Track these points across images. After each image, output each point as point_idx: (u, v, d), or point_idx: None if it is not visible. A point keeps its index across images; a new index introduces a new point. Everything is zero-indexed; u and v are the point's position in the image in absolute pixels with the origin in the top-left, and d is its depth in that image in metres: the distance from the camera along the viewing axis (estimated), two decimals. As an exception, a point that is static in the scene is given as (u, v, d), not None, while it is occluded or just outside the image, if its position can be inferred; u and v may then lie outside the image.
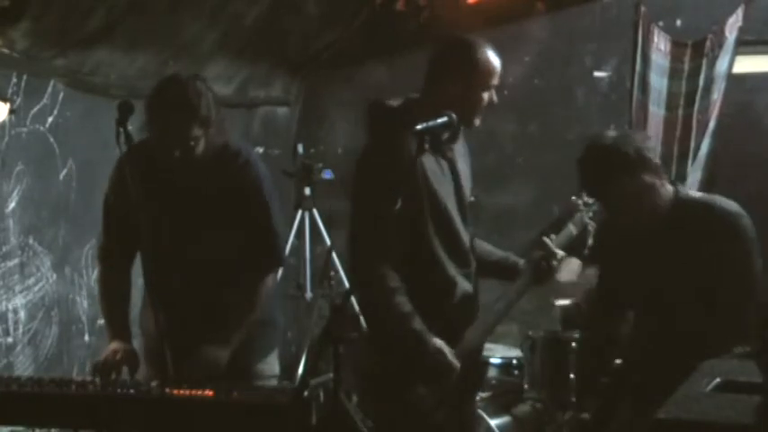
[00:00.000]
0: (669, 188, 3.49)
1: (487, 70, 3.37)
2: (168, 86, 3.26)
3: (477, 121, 3.39)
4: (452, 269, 3.35)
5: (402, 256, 3.24)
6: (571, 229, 3.61)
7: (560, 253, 3.51)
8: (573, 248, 3.65)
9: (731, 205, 3.50)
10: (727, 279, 3.38)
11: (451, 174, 3.40)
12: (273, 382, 3.49)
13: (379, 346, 3.37)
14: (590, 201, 3.62)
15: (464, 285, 3.39)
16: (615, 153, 3.41)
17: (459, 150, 3.49)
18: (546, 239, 3.50)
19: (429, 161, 3.30)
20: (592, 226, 3.68)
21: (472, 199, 3.50)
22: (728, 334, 3.32)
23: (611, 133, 3.62)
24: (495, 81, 3.40)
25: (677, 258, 3.43)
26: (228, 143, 3.40)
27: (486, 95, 3.37)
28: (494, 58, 3.39)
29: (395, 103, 3.50)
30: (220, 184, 3.34)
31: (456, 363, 3.27)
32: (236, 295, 3.31)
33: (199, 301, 3.31)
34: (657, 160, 3.47)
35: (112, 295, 3.43)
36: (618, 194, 3.41)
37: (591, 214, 3.64)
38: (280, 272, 3.59)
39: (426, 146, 3.00)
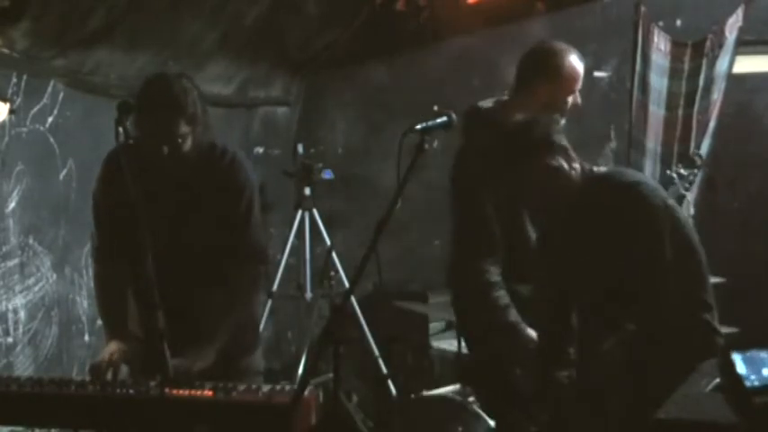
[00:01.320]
0: (578, 169, 3.24)
1: (573, 76, 3.69)
2: (155, 84, 3.30)
3: (563, 121, 3.63)
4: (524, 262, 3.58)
5: (503, 250, 3.54)
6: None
7: None
8: None
9: (629, 175, 3.29)
10: (636, 264, 3.11)
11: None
12: (260, 378, 3.50)
13: (473, 337, 3.74)
14: (685, 172, 3.61)
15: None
16: (522, 137, 3.25)
17: None
18: None
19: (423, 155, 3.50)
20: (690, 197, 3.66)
21: None
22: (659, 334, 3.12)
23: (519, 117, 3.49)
24: (579, 85, 3.72)
25: (586, 243, 3.21)
26: (215, 143, 3.43)
27: (570, 98, 3.69)
28: (578, 64, 3.72)
29: (486, 104, 3.79)
30: (206, 183, 3.36)
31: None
32: (217, 295, 3.32)
33: (182, 301, 3.30)
34: (565, 143, 3.24)
35: (109, 295, 3.43)
36: (525, 177, 3.21)
37: (687, 185, 3.67)
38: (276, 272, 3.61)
39: (426, 145, 3.05)
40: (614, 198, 3.15)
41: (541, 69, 3.71)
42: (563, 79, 3.68)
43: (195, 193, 3.37)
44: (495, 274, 3.57)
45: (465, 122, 3.63)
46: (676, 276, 3.10)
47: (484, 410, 3.86)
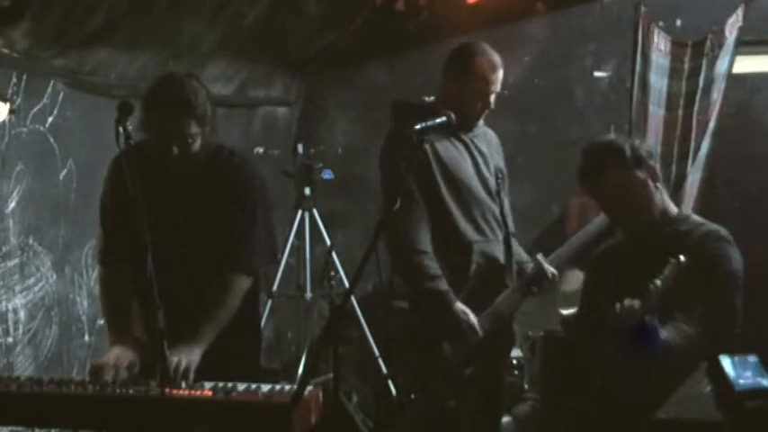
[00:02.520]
0: (665, 196, 3.48)
1: (481, 79, 3.71)
2: (165, 84, 3.29)
3: (477, 123, 3.63)
4: (470, 236, 3.73)
5: (429, 227, 3.67)
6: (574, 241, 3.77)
7: (551, 272, 3.76)
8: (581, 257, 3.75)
9: (725, 234, 3.46)
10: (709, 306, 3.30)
11: (468, 152, 3.80)
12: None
13: (412, 304, 3.80)
14: None
15: (485, 251, 3.76)
16: (610, 148, 3.46)
17: (482, 136, 3.89)
18: (539, 257, 3.68)
19: (442, 145, 3.72)
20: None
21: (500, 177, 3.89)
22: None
23: (610, 135, 3.71)
24: (491, 89, 3.73)
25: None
26: (223, 144, 3.44)
27: (479, 103, 3.72)
28: (489, 68, 3.72)
29: (416, 101, 4.02)
30: (212, 185, 3.37)
31: (477, 325, 3.64)
32: (213, 295, 3.33)
33: (181, 300, 3.29)
34: (653, 163, 3.48)
35: (114, 298, 3.42)
36: (610, 186, 3.41)
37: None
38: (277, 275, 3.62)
39: (426, 145, 3.19)
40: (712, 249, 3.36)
41: (451, 69, 3.78)
42: (471, 82, 3.71)
43: (200, 195, 3.37)
44: (424, 243, 3.67)
45: (395, 114, 3.87)
46: None
47: (408, 379, 3.88)
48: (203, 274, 3.35)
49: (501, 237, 3.86)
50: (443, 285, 3.66)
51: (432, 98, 3.90)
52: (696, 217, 3.53)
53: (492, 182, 3.86)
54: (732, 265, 3.31)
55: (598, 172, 3.45)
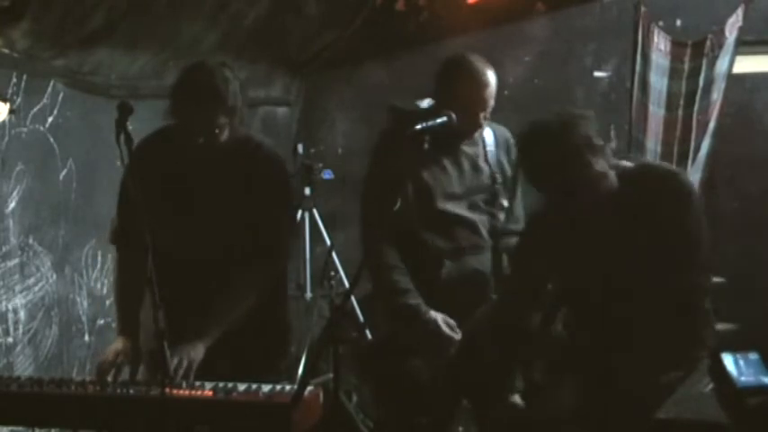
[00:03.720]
0: (612, 168, 3.18)
1: (467, 100, 3.53)
2: (196, 72, 3.24)
3: (469, 136, 3.57)
4: (440, 247, 3.57)
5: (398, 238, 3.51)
6: None
7: None
8: None
9: (667, 167, 3.34)
10: (683, 243, 3.11)
11: (453, 161, 3.64)
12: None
13: (381, 317, 3.69)
14: None
15: (457, 263, 3.60)
16: (563, 141, 3.08)
17: (478, 140, 3.71)
18: None
19: (422, 154, 3.44)
20: None
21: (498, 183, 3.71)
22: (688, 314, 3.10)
23: (553, 118, 3.22)
24: (477, 109, 3.54)
25: (626, 235, 3.14)
26: (250, 135, 3.41)
27: (467, 121, 3.52)
28: (475, 88, 3.54)
29: (411, 107, 3.80)
30: (240, 174, 3.31)
31: (453, 335, 3.46)
32: (231, 290, 3.29)
33: (199, 294, 3.28)
34: (601, 141, 3.16)
35: (122, 282, 3.40)
36: (569, 184, 3.09)
37: None
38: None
39: (426, 145, 3.10)
40: (659, 187, 3.13)
41: (438, 84, 3.63)
42: (455, 103, 3.52)
43: (225, 186, 3.31)
44: (392, 256, 3.53)
45: (390, 117, 3.77)
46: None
47: (374, 398, 3.78)
48: (220, 265, 3.30)
49: (488, 246, 3.68)
50: (413, 299, 3.51)
51: (426, 102, 3.80)
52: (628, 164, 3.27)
53: (484, 188, 3.69)
54: None
55: (552, 170, 3.09)
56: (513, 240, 3.69)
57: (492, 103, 3.61)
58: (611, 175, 3.12)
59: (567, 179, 3.04)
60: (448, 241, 3.61)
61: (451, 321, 3.52)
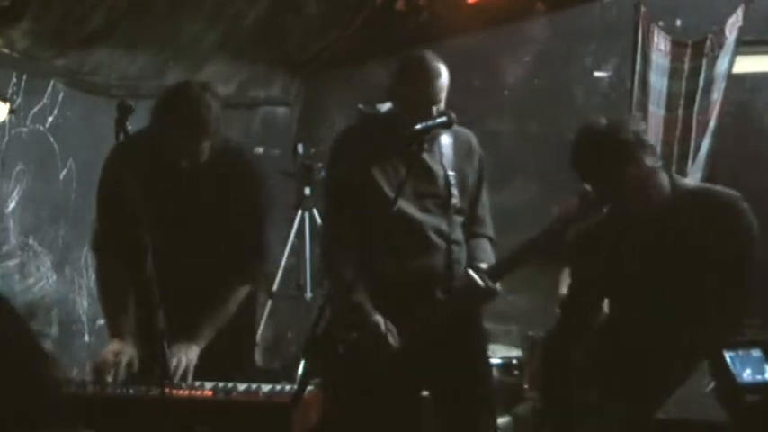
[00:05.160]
0: (665, 175, 3.37)
1: (417, 92, 3.49)
2: (181, 100, 3.28)
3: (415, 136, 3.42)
4: (390, 249, 3.49)
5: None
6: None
7: (483, 284, 3.51)
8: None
9: (730, 195, 3.41)
10: (729, 268, 3.26)
11: (406, 164, 3.47)
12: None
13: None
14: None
15: (405, 264, 3.55)
16: (614, 138, 3.27)
17: (442, 145, 3.63)
18: (470, 270, 3.54)
19: (379, 157, 3.57)
20: None
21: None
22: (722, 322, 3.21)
23: (606, 119, 3.38)
24: (429, 101, 3.46)
25: (677, 247, 3.28)
26: (229, 142, 3.44)
27: (418, 113, 3.40)
28: (423, 81, 3.50)
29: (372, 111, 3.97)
30: (217, 184, 3.37)
31: (391, 341, 3.43)
32: (214, 296, 3.33)
33: (183, 299, 3.28)
34: (651, 141, 3.37)
35: (111, 288, 3.41)
36: (620, 181, 3.26)
37: None
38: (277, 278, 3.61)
39: (426, 145, 3.10)
40: (722, 216, 3.31)
41: (391, 80, 3.67)
42: (404, 94, 3.55)
43: (202, 193, 3.37)
44: (348, 254, 3.49)
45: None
46: None
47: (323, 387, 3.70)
48: (203, 271, 3.34)
49: (440, 248, 3.61)
50: (359, 297, 3.46)
51: (386, 105, 3.78)
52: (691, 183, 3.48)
53: (437, 191, 3.63)
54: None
55: (604, 165, 3.28)
56: (483, 243, 3.70)
57: (443, 96, 3.53)
58: (663, 176, 3.30)
59: (619, 173, 3.23)
60: (398, 242, 3.54)
61: (392, 327, 3.46)
